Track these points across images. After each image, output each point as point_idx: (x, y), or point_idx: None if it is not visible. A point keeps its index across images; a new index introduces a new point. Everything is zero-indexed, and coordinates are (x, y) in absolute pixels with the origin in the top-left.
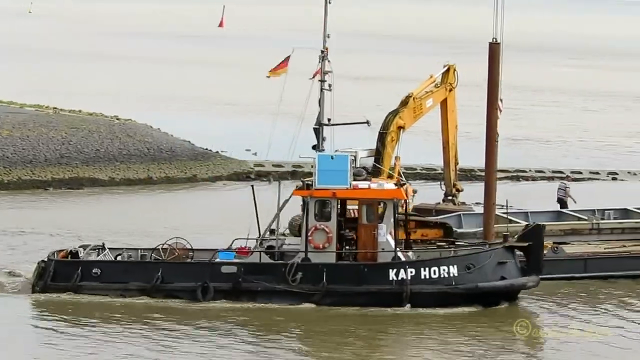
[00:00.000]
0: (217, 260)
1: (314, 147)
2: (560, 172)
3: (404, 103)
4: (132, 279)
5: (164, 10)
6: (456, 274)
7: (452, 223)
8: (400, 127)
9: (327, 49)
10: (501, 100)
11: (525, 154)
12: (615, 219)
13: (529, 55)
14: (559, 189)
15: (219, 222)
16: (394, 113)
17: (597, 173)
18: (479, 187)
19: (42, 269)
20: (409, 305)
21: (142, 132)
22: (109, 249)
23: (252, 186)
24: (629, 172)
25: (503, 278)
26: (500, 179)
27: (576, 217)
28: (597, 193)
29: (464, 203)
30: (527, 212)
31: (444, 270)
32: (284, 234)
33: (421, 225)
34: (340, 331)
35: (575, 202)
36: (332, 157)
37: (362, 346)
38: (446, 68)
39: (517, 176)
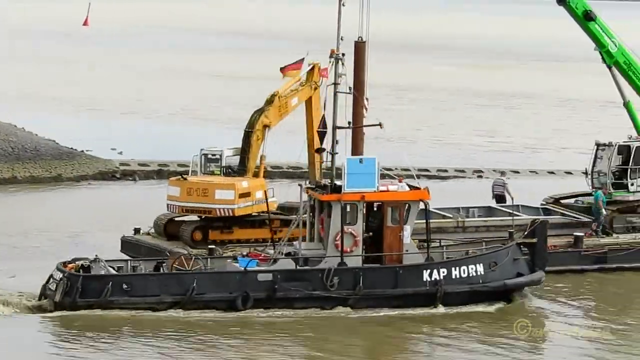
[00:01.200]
0: (253, 268)
1: (317, 151)
2: (427, 170)
3: (270, 102)
4: (165, 292)
5: (26, 8)
6: (482, 272)
7: None
8: (265, 126)
9: (343, 54)
10: (367, 99)
11: (392, 153)
12: (479, 216)
13: (398, 54)
14: (496, 185)
15: (87, 222)
16: (260, 112)
17: (463, 171)
18: None
19: (67, 285)
20: (441, 306)
21: (5, 131)
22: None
23: (301, 185)
24: (494, 170)
25: (519, 274)
26: None
27: (441, 215)
28: (462, 191)
29: None
30: None
31: (472, 269)
32: (148, 233)
33: (287, 224)
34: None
35: (512, 198)
36: (360, 161)
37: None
38: (311, 67)
39: (382, 175)
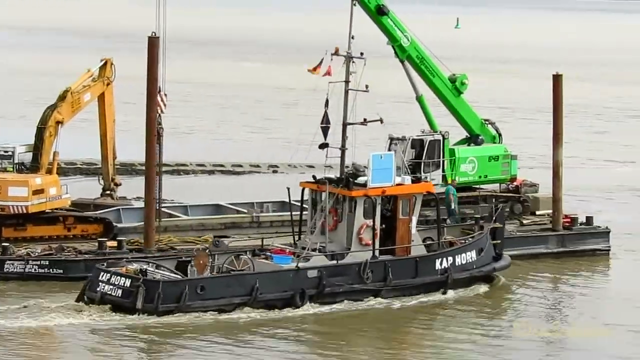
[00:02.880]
0: (303, 265)
1: (321, 147)
2: (222, 165)
3: (62, 98)
4: (233, 293)
5: None
6: (475, 259)
7: (111, 218)
8: (58, 122)
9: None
10: (166, 94)
11: (186, 148)
12: (274, 211)
13: (199, 49)
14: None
15: None
16: (52, 108)
17: (258, 166)
18: (141, 180)
19: (146, 291)
20: (451, 291)
21: None
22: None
23: (288, 188)
24: (289, 165)
25: (494, 258)
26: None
27: (235, 211)
28: (257, 186)
29: (124, 197)
30: (187, 206)
31: (469, 256)
32: None
33: (81, 221)
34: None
35: None
36: (381, 157)
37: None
38: (103, 62)
39: (177, 170)
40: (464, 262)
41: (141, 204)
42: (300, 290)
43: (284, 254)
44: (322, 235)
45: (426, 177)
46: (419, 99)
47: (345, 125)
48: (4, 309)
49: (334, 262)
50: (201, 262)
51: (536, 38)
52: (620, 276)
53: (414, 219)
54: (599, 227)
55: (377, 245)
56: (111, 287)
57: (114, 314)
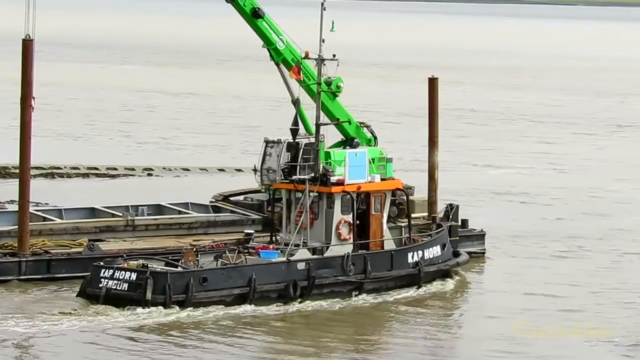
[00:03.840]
0: (293, 258)
1: (289, 147)
2: (96, 168)
3: None
4: (233, 284)
5: None
6: (439, 253)
7: None
8: None
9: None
10: (34, 97)
11: (60, 151)
12: (149, 214)
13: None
14: None
15: None
16: None
17: (133, 169)
18: (14, 184)
19: (156, 283)
20: (424, 284)
21: None
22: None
23: (272, 189)
24: (164, 168)
25: (456, 254)
26: (35, 176)
27: (110, 214)
28: (131, 189)
29: None
30: (61, 209)
31: (435, 250)
32: None
33: None
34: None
35: None
36: (356, 155)
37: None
38: None
39: (52, 173)
40: (431, 256)
41: (15, 207)
42: (293, 281)
43: (269, 250)
44: (299, 233)
45: None
46: (295, 102)
47: (317, 125)
48: None
49: (320, 255)
50: (190, 259)
51: (415, 40)
52: (491, 280)
53: (385, 215)
54: (475, 229)
55: (353, 240)
56: (116, 281)
57: (108, 314)
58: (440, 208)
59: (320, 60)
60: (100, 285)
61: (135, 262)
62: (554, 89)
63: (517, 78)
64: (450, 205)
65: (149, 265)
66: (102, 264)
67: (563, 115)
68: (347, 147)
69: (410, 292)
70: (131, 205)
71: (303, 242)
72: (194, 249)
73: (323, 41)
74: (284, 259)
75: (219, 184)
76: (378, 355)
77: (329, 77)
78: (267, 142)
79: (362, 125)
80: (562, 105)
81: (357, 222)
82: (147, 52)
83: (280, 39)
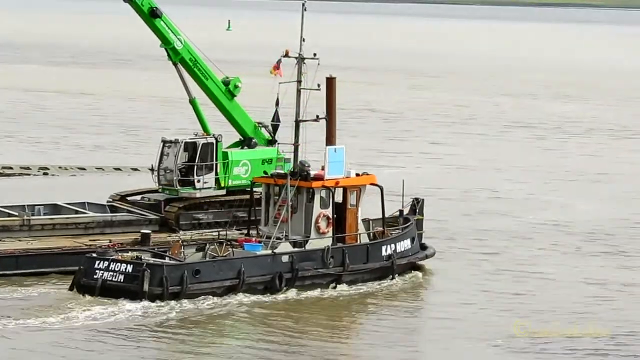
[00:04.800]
0: (278, 251)
1: (270, 142)
2: None
3: None
4: (224, 276)
5: None
6: (410, 247)
7: None
8: None
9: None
10: None
11: None
12: (45, 214)
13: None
14: None
15: None
16: None
17: (28, 168)
18: None
19: (153, 275)
20: (397, 276)
21: None
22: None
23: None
24: (60, 167)
25: (423, 247)
26: None
27: (6, 214)
28: (27, 188)
29: None
30: None
31: (405, 244)
32: None
33: None
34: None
35: None
36: (335, 150)
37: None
38: None
39: None
40: (402, 249)
41: None
42: (278, 273)
43: (252, 242)
44: (276, 226)
45: (199, 180)
46: (192, 101)
47: (297, 122)
48: None
49: (302, 248)
50: (176, 252)
51: (312, 40)
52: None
53: (360, 209)
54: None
55: (332, 234)
56: (112, 273)
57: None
58: (406, 202)
59: (301, 59)
60: (96, 276)
61: (128, 255)
62: (460, 89)
63: (420, 78)
64: (417, 199)
65: (142, 257)
66: (95, 255)
67: (463, 115)
68: (245, 147)
69: (385, 284)
70: (27, 205)
71: (285, 235)
72: (180, 242)
73: (303, 40)
74: (270, 251)
75: (115, 183)
76: (360, 340)
77: (227, 77)
78: (164, 142)
79: (260, 125)
80: (467, 105)
81: (335, 216)
82: (49, 51)
83: (178, 38)
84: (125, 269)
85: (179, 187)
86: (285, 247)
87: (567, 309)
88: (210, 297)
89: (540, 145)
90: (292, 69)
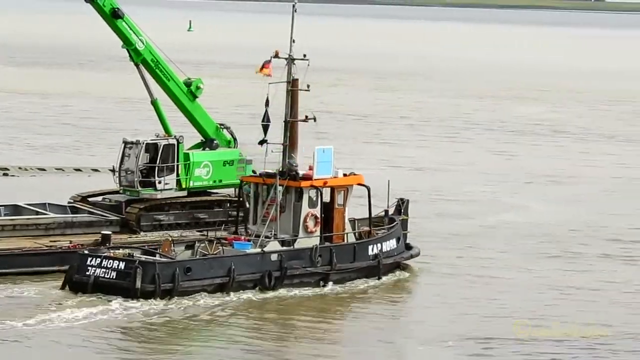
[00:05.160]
0: (268, 249)
1: (260, 142)
2: None
3: None
4: (215, 274)
5: None
6: (395, 246)
7: None
8: None
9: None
10: None
11: None
12: (6, 215)
13: None
14: None
15: None
16: None
17: None
18: None
19: (145, 272)
20: (383, 276)
21: None
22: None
23: (241, 180)
24: (20, 168)
25: (408, 246)
26: None
27: None
28: None
29: None
30: None
31: (391, 243)
32: None
33: None
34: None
35: None
36: (323, 151)
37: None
38: None
39: None
40: (388, 249)
41: None
42: (267, 271)
43: (242, 241)
44: (264, 225)
45: (160, 182)
46: (154, 102)
47: (287, 122)
48: None
49: (291, 247)
50: (166, 249)
51: (273, 41)
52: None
53: (347, 209)
54: None
55: (320, 233)
56: (104, 270)
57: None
58: (391, 202)
59: (290, 60)
60: (88, 273)
61: (120, 252)
62: (421, 90)
63: (381, 80)
64: (402, 199)
65: (134, 255)
66: (87, 252)
67: (423, 117)
68: (206, 148)
69: (371, 283)
70: None
71: (273, 234)
72: (171, 240)
73: (294, 41)
74: (259, 250)
75: (76, 184)
76: (345, 337)
77: (189, 79)
78: (125, 143)
79: (222, 126)
80: (424, 107)
81: (323, 215)
82: (9, 51)
83: (140, 39)
84: (118, 266)
85: (140, 188)
86: (274, 245)
87: (520, 312)
88: (201, 294)
89: (499, 147)
90: (282, 70)
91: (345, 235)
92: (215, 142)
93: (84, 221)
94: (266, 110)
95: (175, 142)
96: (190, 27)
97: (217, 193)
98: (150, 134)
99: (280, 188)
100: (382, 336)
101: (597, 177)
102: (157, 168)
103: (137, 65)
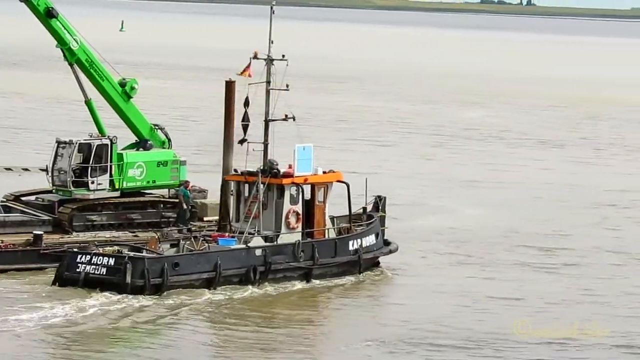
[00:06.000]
0: (252, 245)
1: (240, 142)
2: None
3: None
4: (201, 269)
5: None
6: (374, 242)
7: None
8: None
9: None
10: None
11: None
12: None
13: None
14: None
15: None
16: None
17: None
18: None
19: (135, 268)
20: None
21: None
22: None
23: (224, 178)
24: None
25: (387, 242)
26: None
27: None
28: None
29: None
30: None
31: (371, 239)
32: None
33: None
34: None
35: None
36: (303, 149)
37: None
38: None
39: None
40: (368, 244)
41: None
42: (252, 266)
43: (225, 237)
44: (247, 222)
45: (93, 182)
46: (88, 102)
47: (267, 122)
48: None
49: (274, 242)
50: (152, 247)
51: (207, 42)
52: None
53: (327, 205)
54: None
55: (301, 229)
56: (94, 266)
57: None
58: (369, 200)
59: (270, 61)
60: (78, 269)
61: (110, 249)
62: (363, 93)
63: (325, 83)
64: (379, 196)
65: (123, 251)
66: (77, 250)
67: (363, 120)
68: (140, 149)
69: (352, 278)
70: None
71: (257, 230)
72: (157, 237)
73: (272, 42)
74: (244, 245)
75: (7, 183)
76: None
77: (124, 79)
78: (58, 142)
79: (156, 127)
80: (368, 110)
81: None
82: None
83: (74, 39)
84: (108, 262)
85: (72, 188)
86: (257, 241)
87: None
88: (189, 289)
89: (429, 151)
90: (262, 69)
91: (327, 230)
92: (149, 142)
93: (17, 221)
94: (246, 111)
95: (109, 143)
96: (122, 27)
97: (150, 194)
98: (83, 134)
99: (261, 186)
100: (363, 330)
101: (523, 183)
102: (90, 168)
103: (71, 64)
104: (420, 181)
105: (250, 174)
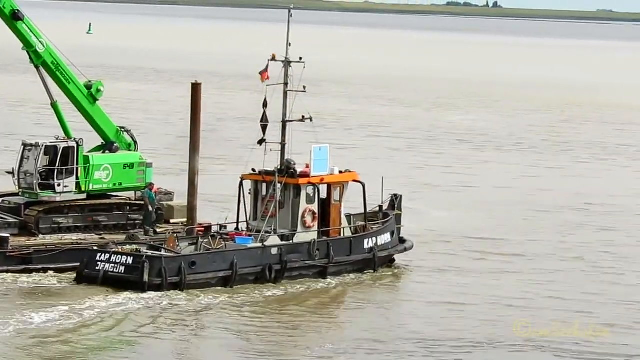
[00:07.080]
0: (268, 244)
1: (259, 142)
2: None
3: None
4: (218, 268)
5: None
6: (390, 240)
7: None
8: None
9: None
10: None
11: None
12: None
13: None
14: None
15: None
16: None
17: None
18: None
19: (152, 266)
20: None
21: None
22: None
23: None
24: None
25: (402, 240)
26: None
27: None
28: None
29: None
30: None
31: (386, 237)
32: None
33: None
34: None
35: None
36: (320, 149)
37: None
38: None
39: None
40: (383, 242)
41: None
42: (268, 265)
43: (243, 236)
44: (264, 221)
45: (59, 184)
46: (54, 105)
47: (284, 122)
48: None
49: (290, 241)
50: (171, 245)
51: (174, 45)
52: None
53: (343, 204)
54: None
55: (318, 227)
56: (113, 265)
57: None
58: (385, 198)
59: (287, 63)
60: (98, 268)
61: (128, 247)
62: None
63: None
64: (395, 195)
65: (141, 250)
66: (96, 248)
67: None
68: (106, 151)
69: (368, 275)
70: None
71: (273, 229)
72: (175, 236)
73: (290, 44)
74: (260, 244)
75: None
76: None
77: (89, 81)
78: (24, 145)
79: (123, 129)
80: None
81: (320, 211)
82: None
83: (40, 41)
84: (126, 260)
85: (39, 191)
86: (273, 240)
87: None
88: (205, 287)
89: (403, 154)
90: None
91: (342, 229)
92: (115, 145)
93: None
94: (264, 111)
95: (75, 145)
96: (90, 30)
97: (117, 196)
98: (49, 136)
99: (279, 185)
100: (378, 327)
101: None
102: (56, 171)
103: (37, 67)
104: (389, 184)
105: (268, 173)
